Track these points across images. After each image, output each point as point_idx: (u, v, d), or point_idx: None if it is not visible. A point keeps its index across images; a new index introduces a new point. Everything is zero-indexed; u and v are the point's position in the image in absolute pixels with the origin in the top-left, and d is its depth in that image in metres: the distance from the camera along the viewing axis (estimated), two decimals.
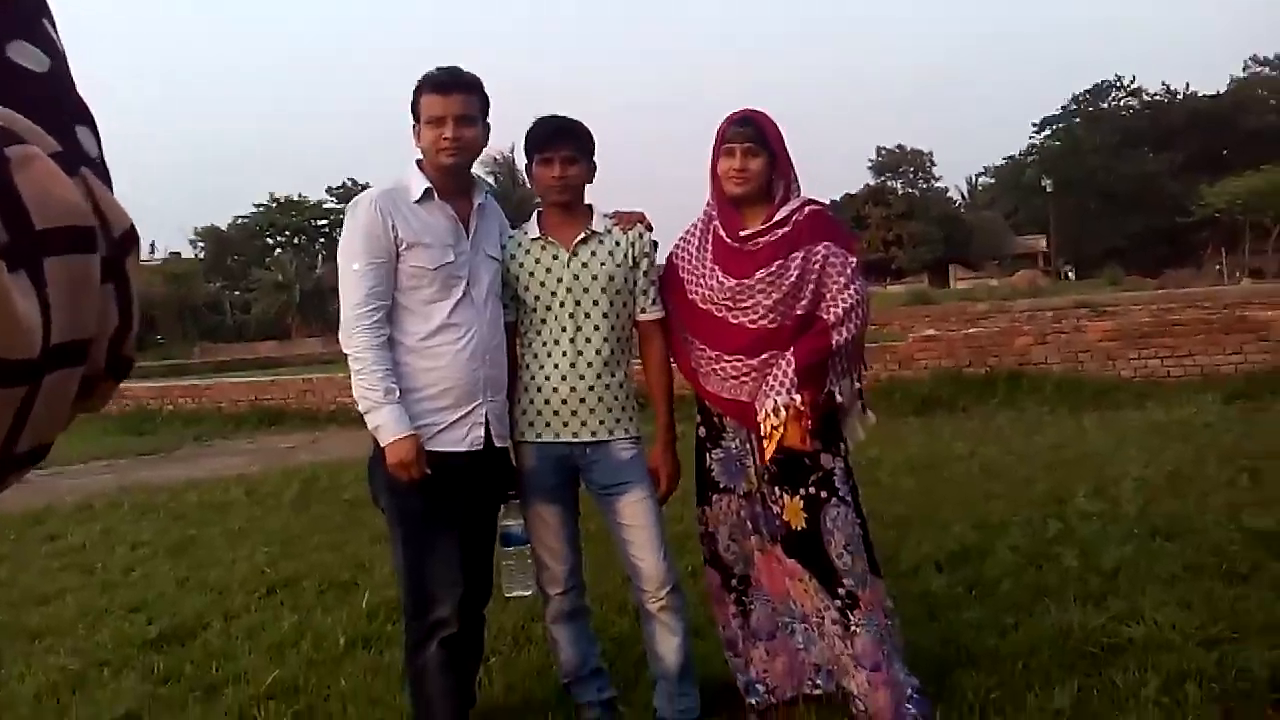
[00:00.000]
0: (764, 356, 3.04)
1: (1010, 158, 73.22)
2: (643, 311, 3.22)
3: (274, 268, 53.29)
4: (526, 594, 3.31)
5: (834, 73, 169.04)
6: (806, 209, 3.12)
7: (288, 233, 61.54)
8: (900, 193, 66.87)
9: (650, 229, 3.25)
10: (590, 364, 3.12)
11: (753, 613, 3.24)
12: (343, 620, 4.54)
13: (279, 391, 15.27)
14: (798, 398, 2.95)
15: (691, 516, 3.51)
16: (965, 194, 76.28)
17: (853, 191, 66.06)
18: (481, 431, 3.05)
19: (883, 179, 69.46)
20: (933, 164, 71.60)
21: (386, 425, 2.91)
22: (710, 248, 3.18)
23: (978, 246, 64.80)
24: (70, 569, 6.13)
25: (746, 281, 3.06)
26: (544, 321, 3.15)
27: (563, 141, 3.11)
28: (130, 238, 0.50)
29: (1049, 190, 56.84)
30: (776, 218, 3.09)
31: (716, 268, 3.13)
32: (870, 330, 14.91)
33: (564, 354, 3.13)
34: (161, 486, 9.12)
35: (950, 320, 20.71)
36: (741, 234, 3.11)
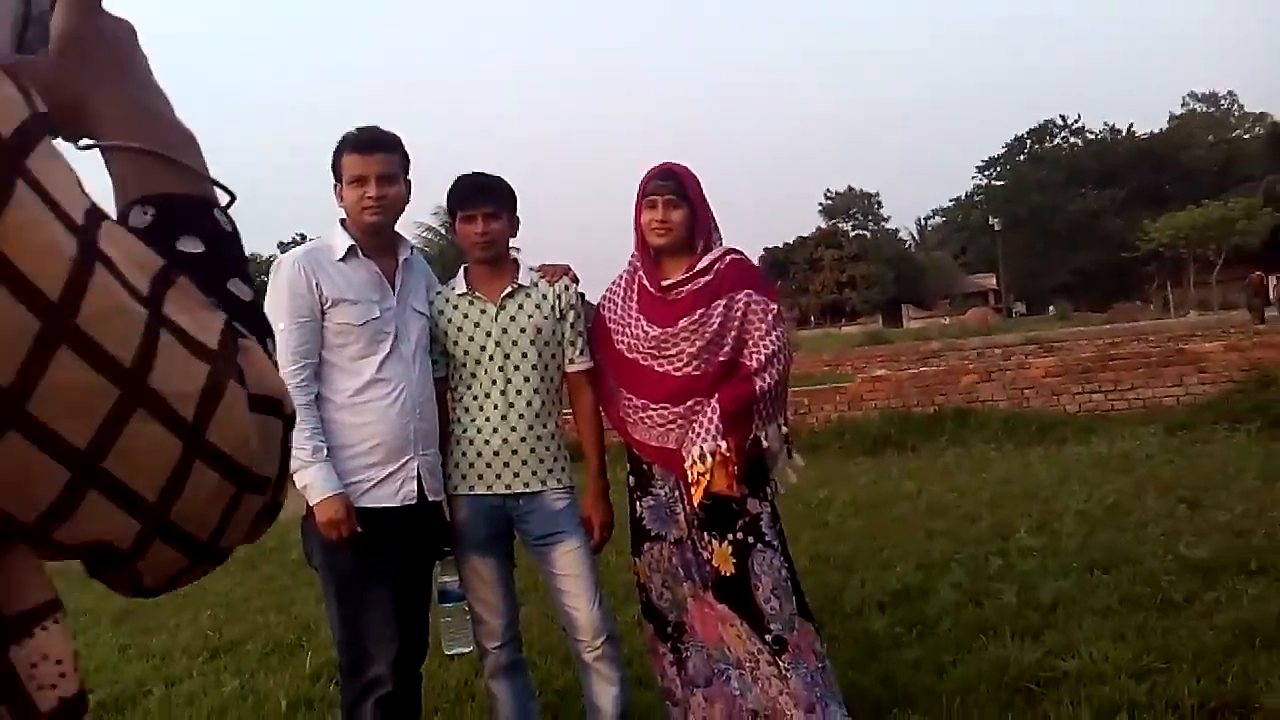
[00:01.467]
0: (689, 404, 3.09)
1: (957, 199, 74.55)
2: (571, 362, 3.26)
3: None
4: (466, 650, 3.31)
5: (782, 117, 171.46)
6: (728, 258, 3.18)
7: None
8: (852, 235, 67.72)
9: (576, 281, 3.30)
10: (521, 416, 3.15)
11: (688, 660, 3.25)
12: (285, 683, 4.49)
13: None
14: (723, 444, 3.00)
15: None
16: (915, 235, 77.43)
17: (805, 235, 66.86)
18: (414, 486, 3.05)
19: (834, 222, 70.29)
20: (879, 205, 72.65)
21: (315, 484, 2.91)
22: (635, 298, 3.24)
23: (929, 286, 65.72)
24: None
25: (670, 330, 3.12)
26: (474, 375, 3.18)
27: (484, 198, 3.16)
28: (294, 418, 0.67)
29: (996, 229, 57.84)
30: (698, 267, 3.16)
31: (641, 317, 3.19)
32: (823, 371, 15.10)
33: (494, 407, 3.15)
34: None
35: (902, 360, 20.89)
36: (664, 284, 3.18)
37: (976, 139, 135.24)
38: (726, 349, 3.11)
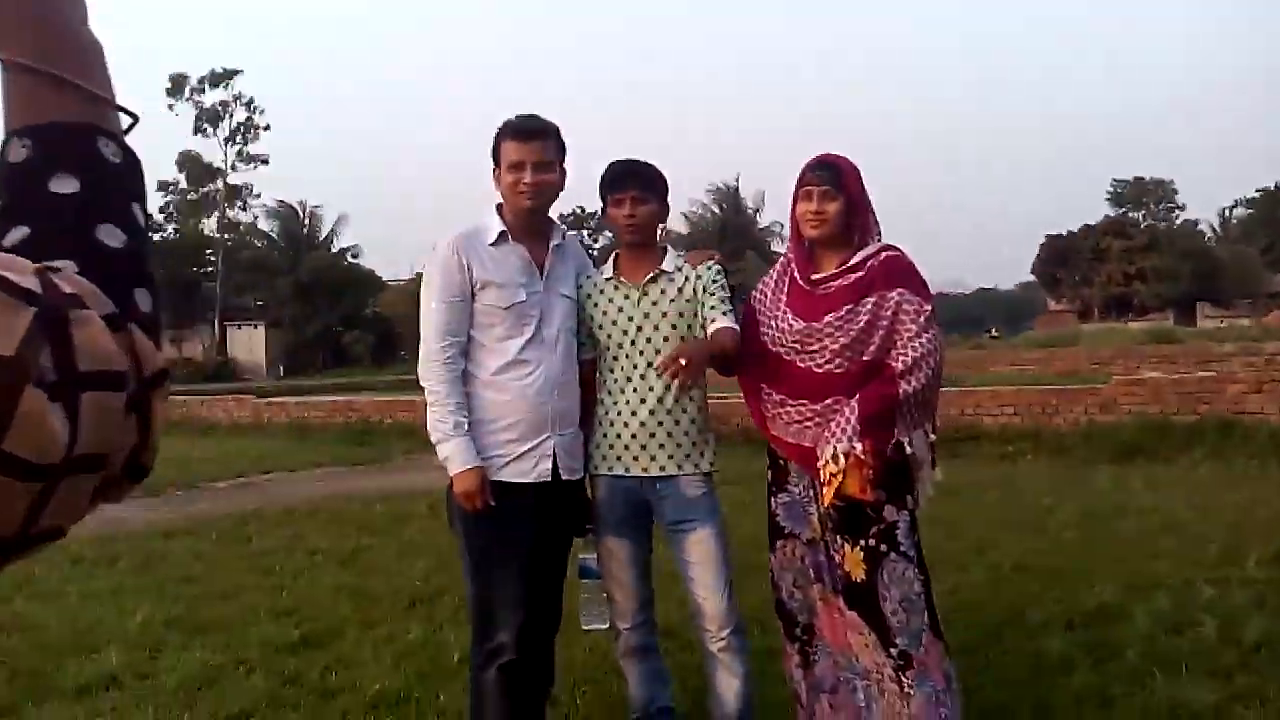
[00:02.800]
0: (828, 401, 3.02)
1: (1265, 189, 68.14)
2: (712, 322, 3.17)
3: None
4: (602, 627, 3.39)
5: (1072, 104, 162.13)
6: (883, 254, 3.08)
7: None
8: (1142, 225, 63.32)
9: (724, 268, 3.28)
10: (660, 399, 3.19)
11: (816, 664, 3.18)
12: (464, 636, 4.72)
13: None
14: (859, 445, 2.91)
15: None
16: (1216, 227, 71.48)
17: (1091, 222, 63.07)
18: (549, 465, 3.15)
19: (1123, 210, 65.90)
20: (1175, 193, 67.42)
21: (454, 457, 3.06)
22: (786, 291, 3.19)
23: (1229, 283, 60.54)
24: (253, 571, 6.62)
25: (815, 325, 3.05)
26: (616, 359, 3.24)
27: (632, 182, 3.21)
28: (160, 376, 0.66)
29: None
30: (852, 262, 3.08)
31: (788, 311, 3.14)
32: (1090, 370, 14.31)
33: (634, 390, 3.20)
34: (358, 495, 9.69)
35: (1179, 363, 19.50)
36: (814, 277, 3.11)
37: None
38: (873, 348, 3.01)
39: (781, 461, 3.21)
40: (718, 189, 57.54)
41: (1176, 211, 68.10)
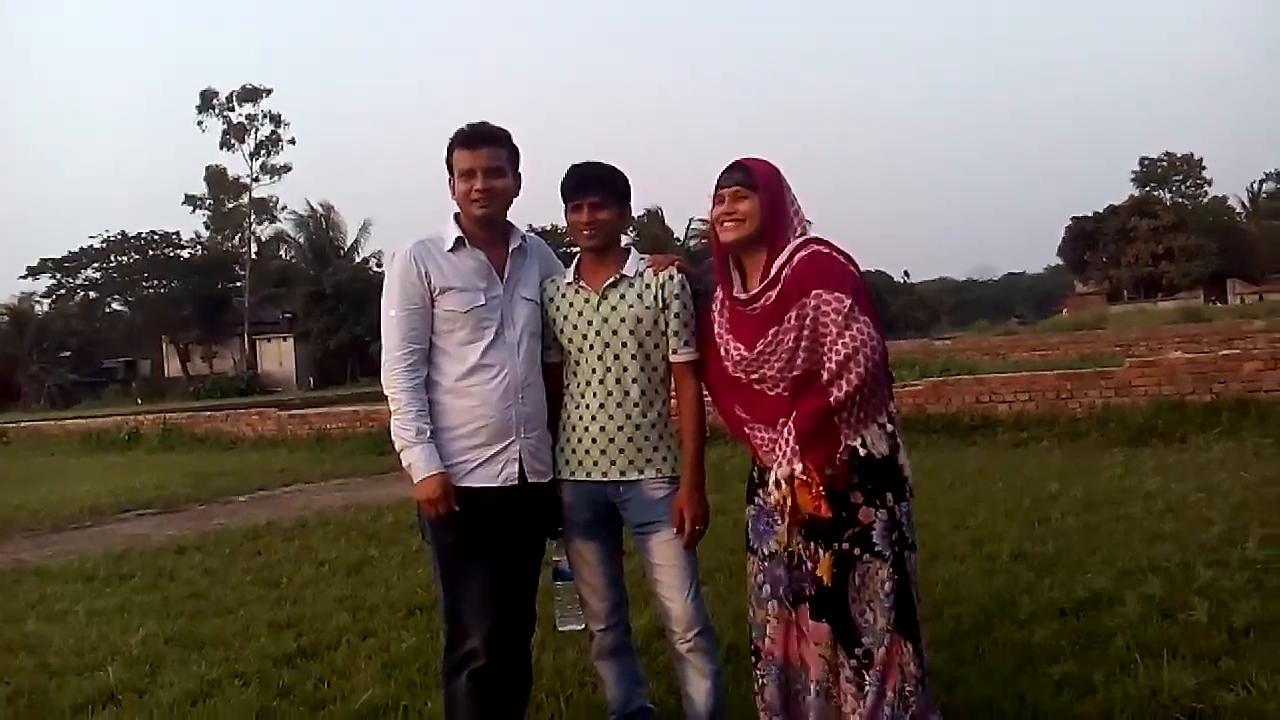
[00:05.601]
0: (781, 422, 2.97)
1: None
2: (674, 353, 3.23)
3: None
4: (578, 628, 3.40)
5: (1092, 84, 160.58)
6: (797, 257, 2.97)
7: None
8: (1169, 203, 62.64)
9: (682, 271, 3.26)
10: (620, 404, 3.18)
11: (765, 688, 3.08)
12: None
13: None
14: (798, 466, 2.88)
15: None
16: (1246, 203, 70.55)
17: (1116, 203, 62.47)
18: (515, 469, 3.16)
19: (1148, 189, 65.21)
20: (1203, 169, 66.59)
21: (417, 464, 3.08)
22: (727, 313, 3.12)
23: (1261, 259, 59.81)
24: (258, 584, 6.67)
25: (749, 355, 3.01)
26: (578, 363, 3.24)
27: (590, 189, 3.18)
28: None
29: None
30: (770, 275, 2.99)
31: (730, 337, 3.08)
32: (1113, 352, 14.05)
33: (594, 395, 3.20)
34: (371, 506, 9.74)
35: (1202, 342, 19.31)
36: (740, 297, 3.05)
37: None
38: (800, 360, 2.93)
39: (756, 471, 3.16)
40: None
41: (1204, 188, 67.29)
